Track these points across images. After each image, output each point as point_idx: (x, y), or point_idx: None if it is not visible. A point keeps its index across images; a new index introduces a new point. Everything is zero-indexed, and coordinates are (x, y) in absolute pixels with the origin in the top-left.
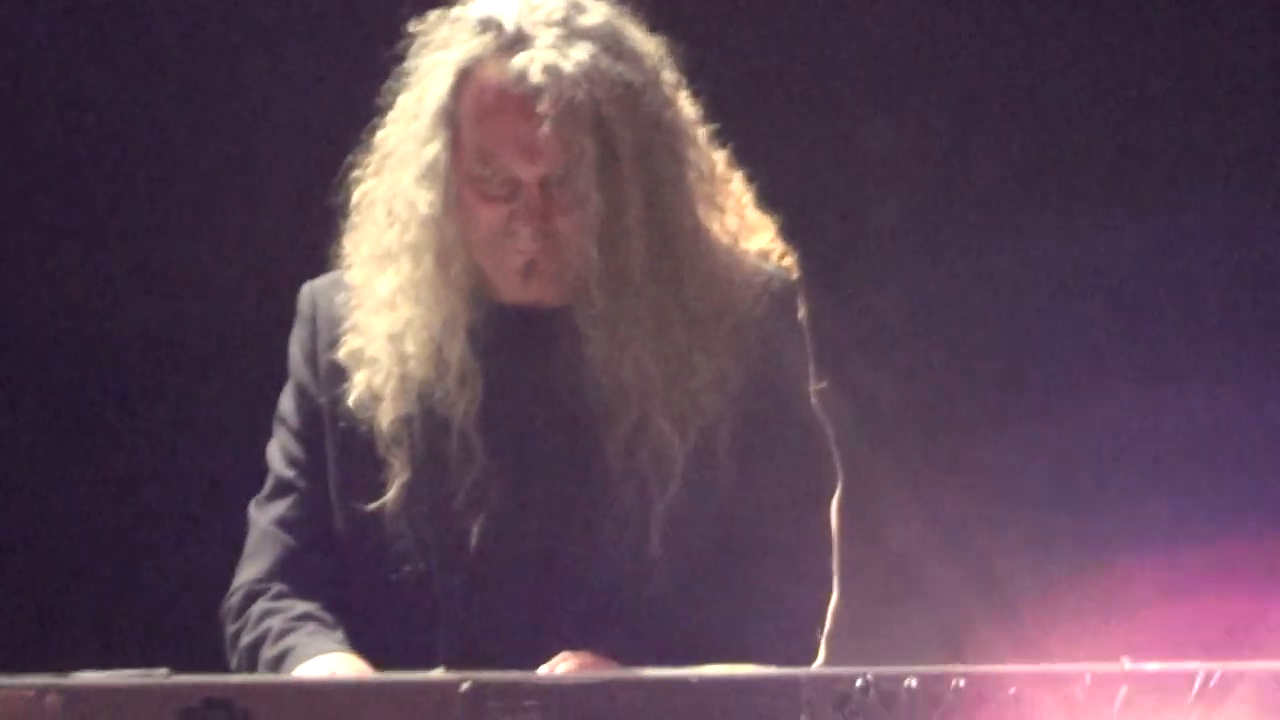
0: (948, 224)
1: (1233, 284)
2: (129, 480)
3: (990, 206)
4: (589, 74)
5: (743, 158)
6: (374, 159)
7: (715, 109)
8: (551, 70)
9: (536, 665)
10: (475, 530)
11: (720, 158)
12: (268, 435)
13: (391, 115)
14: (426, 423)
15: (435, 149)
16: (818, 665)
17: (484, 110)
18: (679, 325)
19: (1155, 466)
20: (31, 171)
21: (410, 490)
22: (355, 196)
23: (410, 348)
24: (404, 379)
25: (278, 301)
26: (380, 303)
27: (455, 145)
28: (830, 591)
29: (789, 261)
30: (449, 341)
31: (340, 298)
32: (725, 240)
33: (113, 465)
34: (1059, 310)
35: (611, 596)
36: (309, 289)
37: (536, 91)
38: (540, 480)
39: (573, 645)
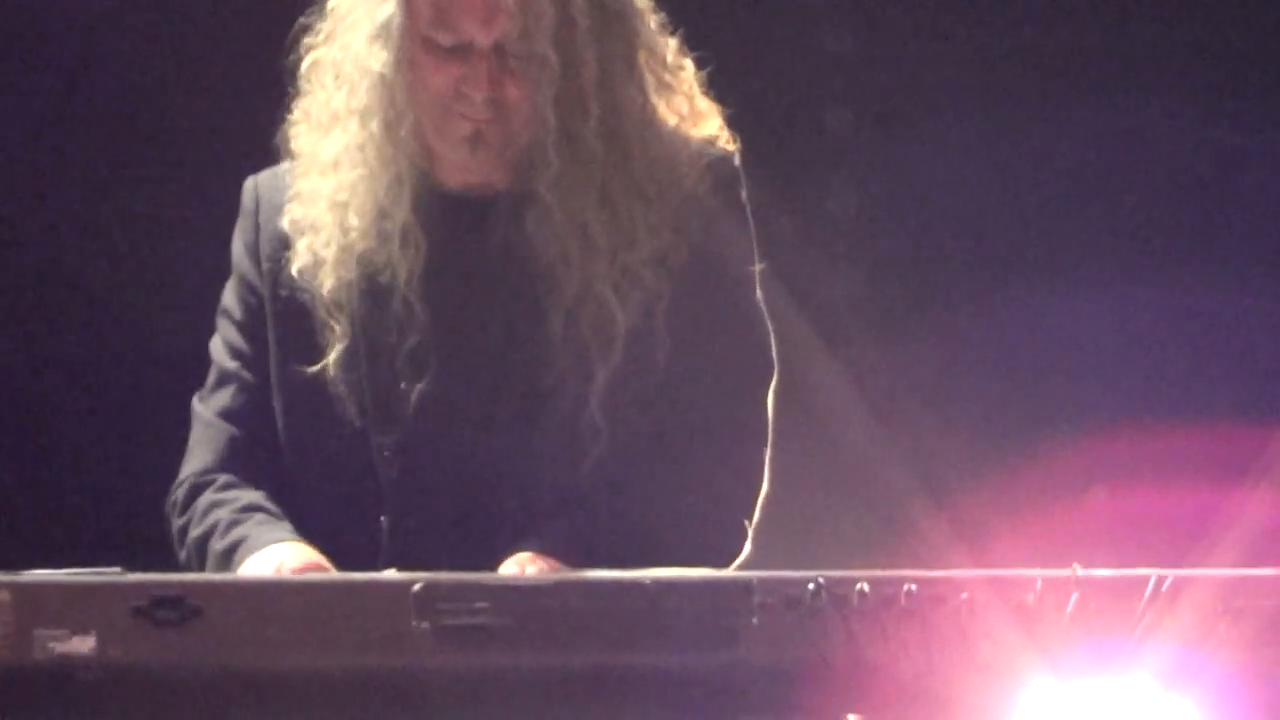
0: (903, 125)
1: (1187, 179)
2: (74, 379)
3: (945, 108)
4: None
5: (701, 59)
6: (325, 25)
7: (675, 7)
8: None
9: (474, 536)
10: (413, 394)
11: (671, 44)
12: (213, 329)
13: None
14: (368, 288)
15: (390, 8)
16: (744, 557)
17: None
18: (625, 199)
19: (1105, 366)
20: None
21: (350, 354)
22: (305, 64)
23: (353, 211)
24: (346, 244)
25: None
26: (324, 165)
27: (409, 7)
28: (761, 481)
29: (732, 148)
30: (393, 206)
31: (283, 187)
32: (672, 121)
33: (66, 372)
34: (1008, 210)
35: (550, 465)
36: (252, 182)
37: None
38: (481, 348)
39: (510, 517)
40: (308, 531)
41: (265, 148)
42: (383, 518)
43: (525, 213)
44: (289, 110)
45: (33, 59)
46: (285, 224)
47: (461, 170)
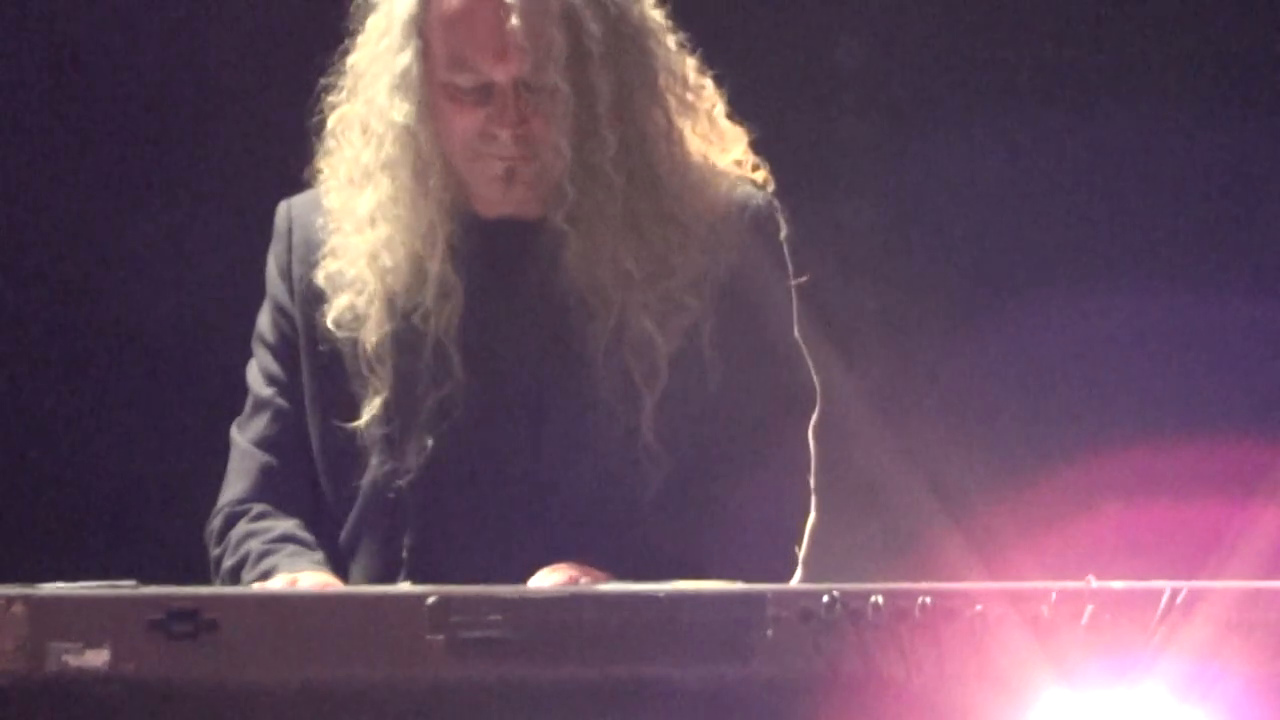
0: (917, 136)
1: (1204, 189)
2: (100, 395)
3: (959, 119)
4: None
5: (717, 73)
6: (346, 82)
7: (687, 23)
8: None
9: (518, 580)
10: (442, 441)
11: (691, 64)
12: (245, 352)
13: (361, 38)
14: (406, 339)
15: (407, 59)
16: (795, 581)
17: (453, 15)
18: (655, 224)
19: (1121, 378)
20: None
21: (388, 406)
22: (330, 121)
23: (389, 264)
24: (386, 298)
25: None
26: (359, 221)
27: (426, 55)
28: (809, 510)
29: (762, 174)
30: (428, 255)
31: (318, 219)
32: (699, 145)
33: (82, 381)
34: (1024, 222)
35: (598, 502)
36: (285, 206)
37: None
38: (518, 389)
39: (554, 557)
40: (340, 561)
41: (295, 169)
42: (404, 540)
43: (559, 242)
44: (317, 158)
45: (56, 75)
46: (321, 279)
47: (497, 205)
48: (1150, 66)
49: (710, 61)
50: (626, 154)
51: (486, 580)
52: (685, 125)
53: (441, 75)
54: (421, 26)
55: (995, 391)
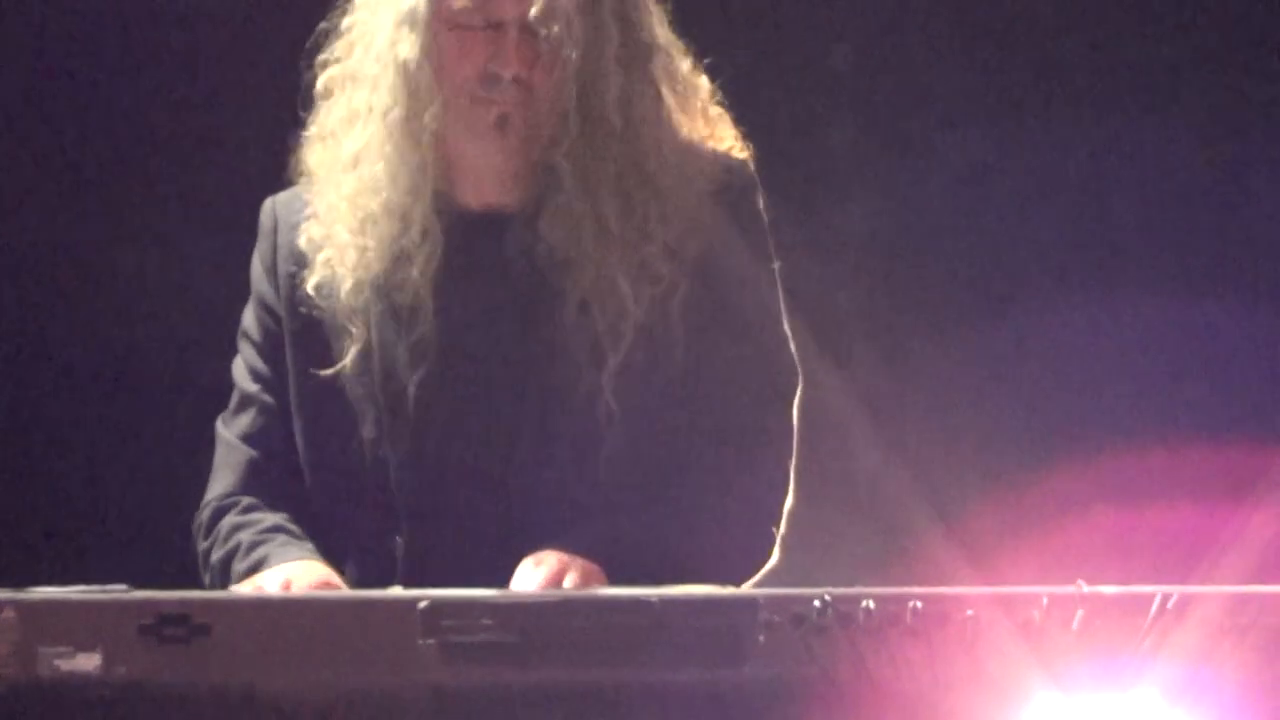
0: (908, 141)
1: (1194, 191)
2: (89, 400)
3: (950, 124)
4: None
5: (710, 76)
6: (340, 44)
7: (680, 26)
8: None
9: (493, 541)
10: (423, 398)
11: (684, 52)
12: (232, 354)
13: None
14: (384, 300)
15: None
16: (771, 565)
17: None
18: (639, 190)
19: (1112, 382)
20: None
21: (363, 360)
22: (320, 80)
23: (370, 225)
24: (363, 259)
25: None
26: (345, 164)
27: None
28: (786, 488)
29: (746, 155)
30: (410, 220)
31: (300, 207)
32: (687, 122)
33: (71, 386)
34: (1015, 226)
35: (568, 462)
36: (270, 203)
37: None
38: (492, 349)
39: (529, 521)
40: (329, 549)
41: (283, 165)
42: (399, 532)
43: (541, 213)
44: (304, 128)
45: (53, 75)
46: (302, 242)
47: (482, 185)
48: (1145, 71)
49: (703, 65)
50: (623, 115)
51: (473, 568)
52: (676, 100)
53: (451, 10)
54: None
55: (987, 395)
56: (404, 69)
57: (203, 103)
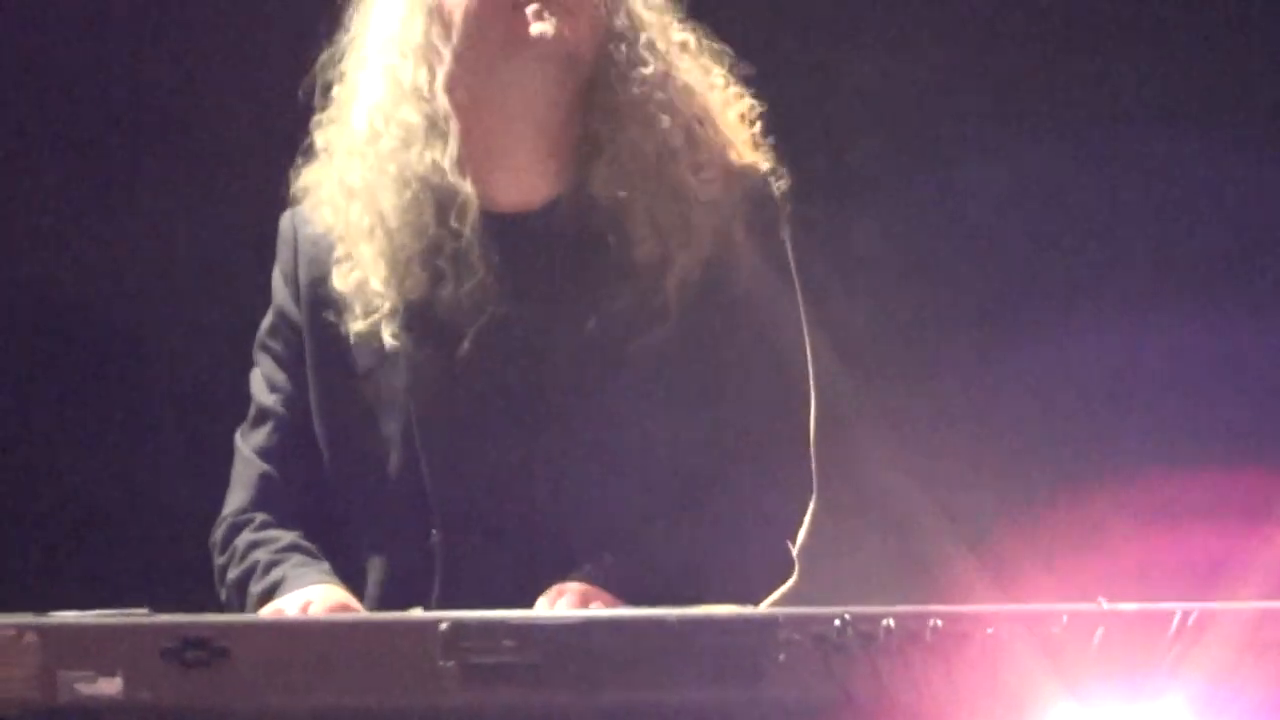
0: (930, 157)
1: (1220, 211)
2: (109, 422)
3: (972, 139)
4: None
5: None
6: (345, 41)
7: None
8: None
9: (527, 547)
10: (448, 391)
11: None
12: (250, 366)
13: (357, 30)
14: (415, 292)
15: (414, 22)
16: (790, 585)
17: None
18: (679, 138)
19: (1133, 400)
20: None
21: (393, 362)
22: (335, 86)
23: (401, 226)
24: (394, 261)
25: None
26: (360, 182)
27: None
28: (807, 506)
29: (780, 180)
30: (441, 221)
31: (321, 225)
32: (717, 132)
33: (91, 409)
34: (1037, 244)
35: (609, 499)
36: (289, 214)
37: None
38: (528, 347)
39: (567, 561)
40: (355, 556)
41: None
42: (434, 532)
43: (590, 175)
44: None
45: (62, 85)
46: (324, 254)
47: (538, 44)
48: (1168, 89)
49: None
50: (653, 60)
51: (511, 570)
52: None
53: None
54: None
55: (1008, 412)
56: (413, 96)
57: (220, 106)
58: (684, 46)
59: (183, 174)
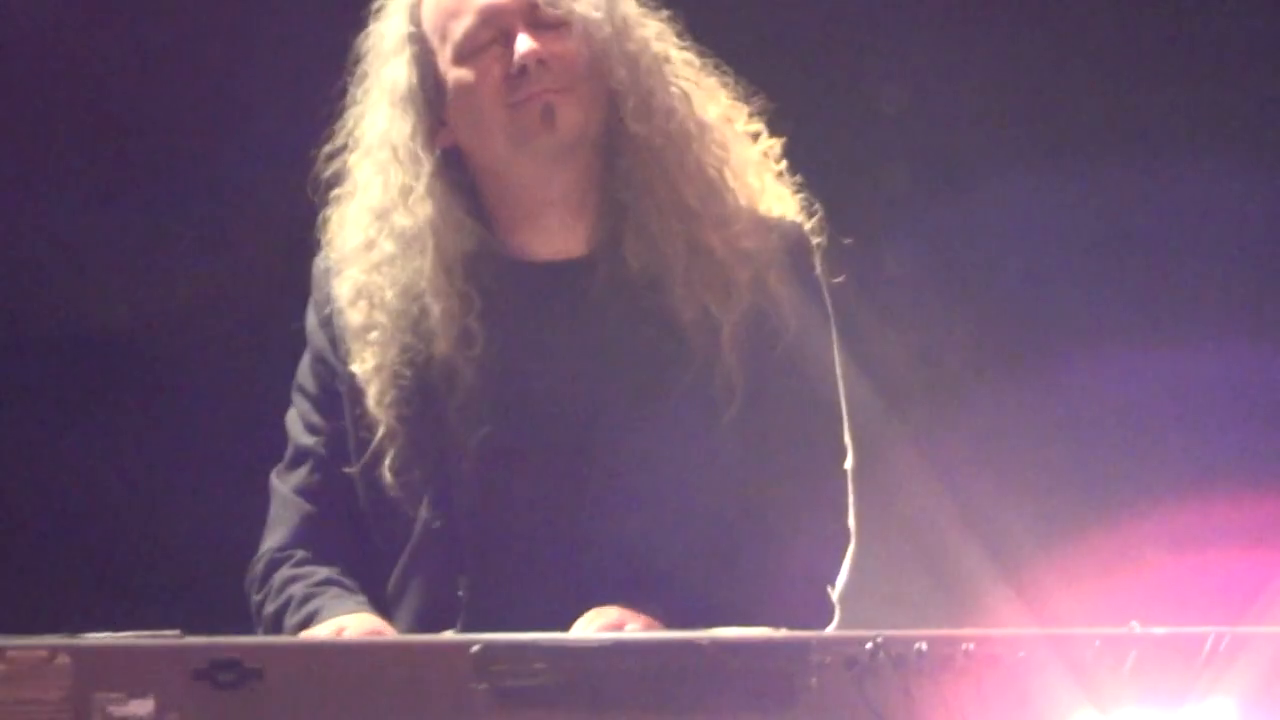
0: (960, 184)
1: (1251, 237)
2: (141, 444)
3: (1002, 167)
4: None
5: (760, 118)
6: (344, 134)
7: (729, 67)
8: None
9: (554, 592)
10: (483, 437)
11: (743, 112)
12: (282, 401)
13: (359, 94)
14: (426, 386)
15: (399, 69)
16: (833, 624)
17: None
18: (708, 201)
19: (1167, 425)
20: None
21: (426, 407)
22: (333, 166)
23: (402, 310)
24: (403, 347)
25: (295, 270)
26: (363, 262)
27: (426, 60)
28: (846, 548)
29: (813, 218)
30: (447, 301)
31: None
32: (744, 177)
33: (124, 430)
34: (1071, 274)
35: (643, 548)
36: (321, 258)
37: None
38: (550, 429)
39: (600, 600)
40: (387, 598)
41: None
42: (462, 580)
43: (622, 241)
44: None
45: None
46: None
47: (545, 142)
48: (1201, 116)
49: (753, 107)
50: (667, 117)
51: (541, 620)
52: (730, 147)
53: (455, 46)
54: (414, 37)
55: (1041, 438)
56: (407, 157)
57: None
58: (693, 83)
59: (206, 200)
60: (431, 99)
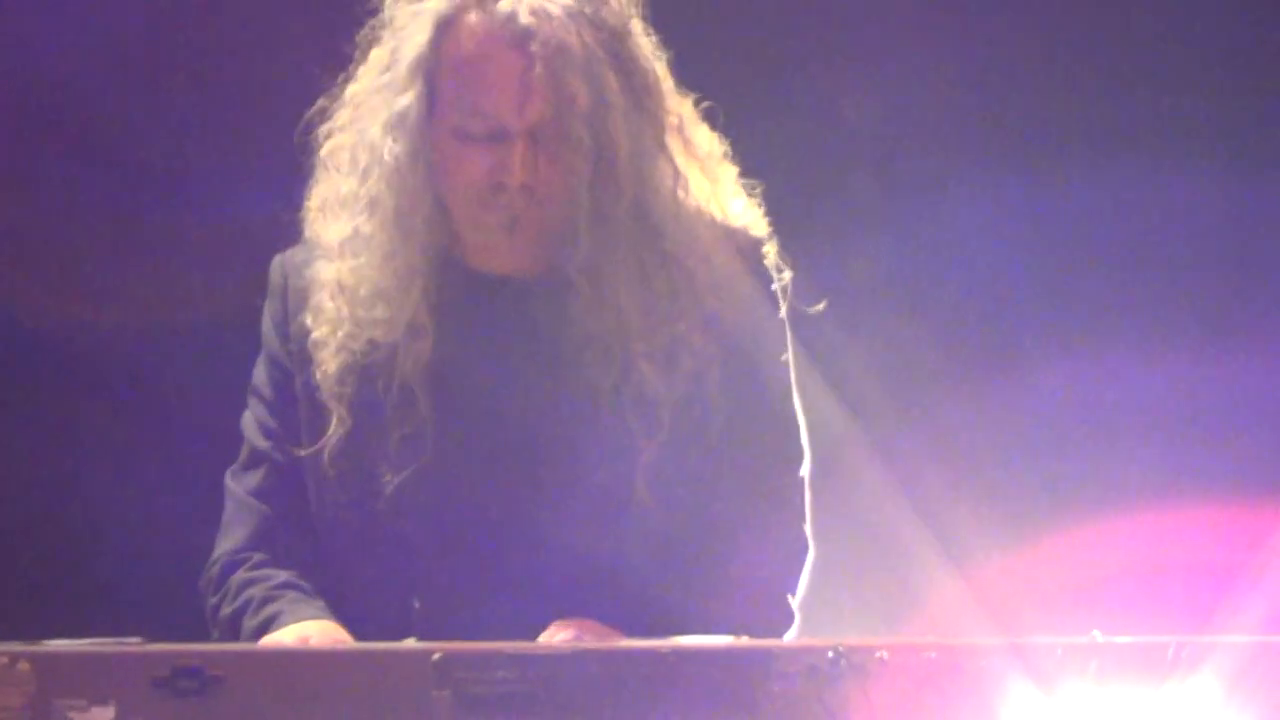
0: (926, 193)
1: (1219, 243)
2: (103, 451)
3: (969, 176)
4: (575, 17)
5: (718, 127)
6: (344, 112)
7: (692, 78)
8: (540, 12)
9: (510, 605)
10: (437, 451)
11: (689, 109)
12: (243, 405)
13: (363, 69)
14: (368, 375)
15: (407, 101)
16: (793, 632)
17: (469, 57)
18: (659, 270)
19: (1129, 431)
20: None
21: (378, 417)
22: (324, 149)
23: (357, 297)
24: (351, 330)
25: (254, 270)
26: (331, 250)
27: (433, 98)
28: (805, 555)
29: (761, 219)
30: (401, 295)
31: (309, 264)
32: (700, 190)
33: (84, 438)
34: (1032, 282)
35: (589, 555)
36: (279, 260)
37: (525, 34)
38: (505, 440)
39: (549, 610)
40: (342, 606)
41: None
42: (417, 592)
43: (559, 296)
44: (307, 191)
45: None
46: (309, 307)
47: (494, 255)
48: (1163, 126)
49: (714, 118)
50: (636, 205)
51: (489, 628)
52: (689, 172)
53: (452, 119)
54: (430, 70)
55: (1002, 446)
56: (392, 173)
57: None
58: (663, 119)
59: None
60: (425, 129)
